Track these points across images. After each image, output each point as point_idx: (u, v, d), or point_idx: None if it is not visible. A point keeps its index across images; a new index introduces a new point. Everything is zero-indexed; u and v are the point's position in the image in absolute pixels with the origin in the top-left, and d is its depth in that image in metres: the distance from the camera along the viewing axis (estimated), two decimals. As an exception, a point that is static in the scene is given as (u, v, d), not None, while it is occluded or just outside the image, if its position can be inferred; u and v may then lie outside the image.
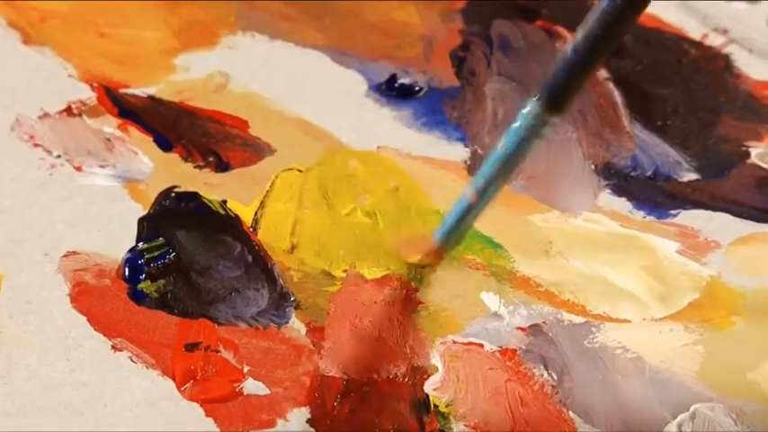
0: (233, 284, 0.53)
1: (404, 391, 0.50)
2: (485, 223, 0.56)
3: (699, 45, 0.67)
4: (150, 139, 0.60)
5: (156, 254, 0.54)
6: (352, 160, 0.59)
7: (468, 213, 0.51)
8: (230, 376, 0.50)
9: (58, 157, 0.58)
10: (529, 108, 0.46)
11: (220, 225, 0.56)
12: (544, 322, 0.53)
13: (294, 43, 0.66)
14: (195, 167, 0.59)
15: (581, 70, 0.45)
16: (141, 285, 0.53)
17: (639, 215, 0.58)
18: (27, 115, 0.60)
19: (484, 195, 0.50)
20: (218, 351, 0.51)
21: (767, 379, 0.51)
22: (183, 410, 0.49)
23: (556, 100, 0.46)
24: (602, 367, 0.51)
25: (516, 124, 0.47)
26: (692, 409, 0.50)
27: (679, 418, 0.49)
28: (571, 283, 0.55)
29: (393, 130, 0.62)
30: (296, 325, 0.52)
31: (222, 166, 0.59)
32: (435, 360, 0.51)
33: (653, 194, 0.59)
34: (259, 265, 0.54)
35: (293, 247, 0.55)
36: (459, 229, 0.53)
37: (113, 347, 0.51)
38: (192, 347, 0.51)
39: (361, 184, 0.58)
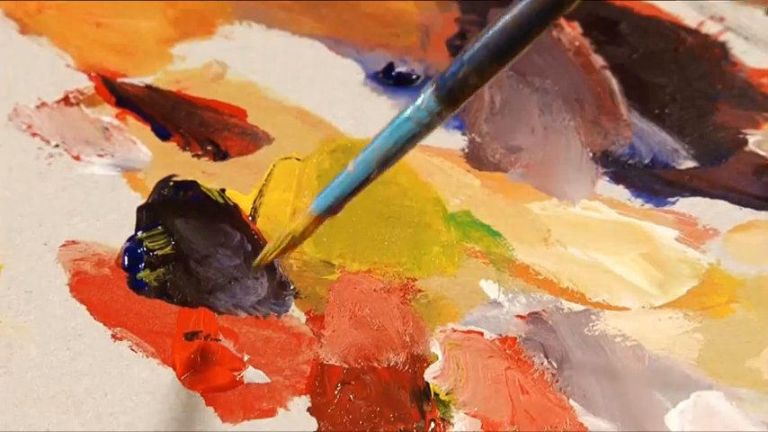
0: (232, 273, 0.53)
1: (404, 380, 0.50)
2: (483, 211, 0.57)
3: (695, 33, 0.67)
4: (148, 128, 0.60)
5: (155, 243, 0.54)
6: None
7: (352, 189, 0.43)
8: (230, 365, 0.50)
9: (56, 146, 0.58)
10: (422, 100, 0.39)
11: (219, 214, 0.56)
12: (544, 310, 0.53)
13: (291, 32, 0.66)
14: (193, 156, 0.59)
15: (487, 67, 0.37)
16: (141, 274, 0.53)
17: (638, 203, 0.58)
18: (25, 105, 0.60)
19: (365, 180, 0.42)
20: (218, 340, 0.51)
21: (767, 366, 0.51)
22: (184, 399, 0.49)
23: (452, 93, 0.38)
24: (602, 355, 0.52)
25: (406, 115, 0.40)
26: (692, 396, 0.50)
27: (680, 406, 0.50)
28: (570, 270, 0.55)
29: (390, 119, 0.61)
30: (296, 313, 0.52)
31: (220, 155, 0.59)
32: (435, 348, 0.52)
33: (651, 182, 0.59)
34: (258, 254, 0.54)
35: (292, 236, 0.55)
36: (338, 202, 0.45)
37: (113, 336, 0.51)
38: (191, 336, 0.51)
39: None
